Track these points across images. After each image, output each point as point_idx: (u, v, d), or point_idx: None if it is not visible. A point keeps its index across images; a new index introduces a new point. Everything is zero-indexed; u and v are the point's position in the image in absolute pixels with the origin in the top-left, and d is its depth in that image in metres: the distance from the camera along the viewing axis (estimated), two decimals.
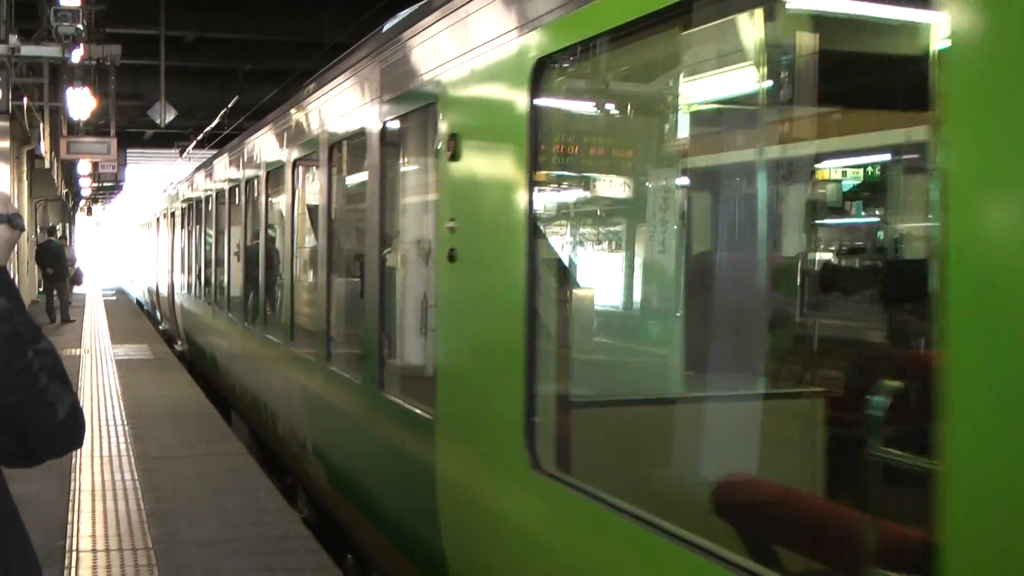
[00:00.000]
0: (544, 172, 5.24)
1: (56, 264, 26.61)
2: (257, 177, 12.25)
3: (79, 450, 9.26)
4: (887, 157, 7.05)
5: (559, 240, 6.13)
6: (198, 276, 18.60)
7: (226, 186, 14.81)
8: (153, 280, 29.70)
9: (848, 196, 8.40)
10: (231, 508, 8.36)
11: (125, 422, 12.11)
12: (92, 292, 40.38)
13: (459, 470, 5.49)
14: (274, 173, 11.38)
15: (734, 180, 5.90)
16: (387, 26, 7.44)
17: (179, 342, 22.26)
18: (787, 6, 4.97)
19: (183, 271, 21.17)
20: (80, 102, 22.27)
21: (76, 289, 34.77)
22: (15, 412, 2.74)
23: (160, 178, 39.77)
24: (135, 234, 42.58)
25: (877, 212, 8.38)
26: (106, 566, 6.88)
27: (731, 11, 4.66)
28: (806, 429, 5.01)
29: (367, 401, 7.13)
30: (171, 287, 23.28)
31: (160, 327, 26.92)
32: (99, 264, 58.83)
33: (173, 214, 23.32)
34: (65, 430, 2.86)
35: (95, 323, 26.94)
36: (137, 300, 39.51)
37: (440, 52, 5.77)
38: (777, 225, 5.76)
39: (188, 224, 20.38)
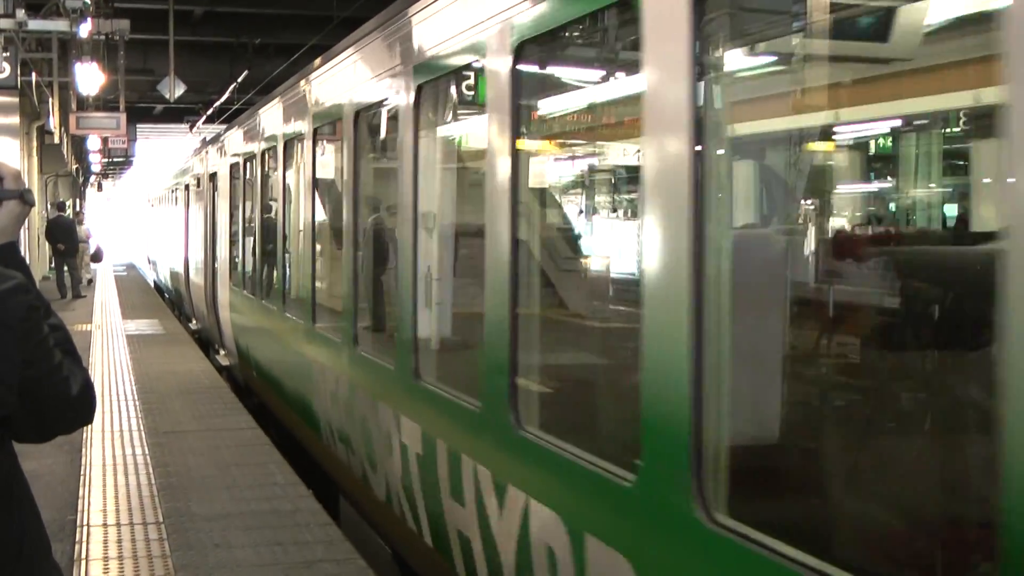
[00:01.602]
0: None
1: (67, 240, 26.63)
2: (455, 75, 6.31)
3: (90, 425, 9.29)
4: None
5: None
6: (265, 268, 12.68)
7: (357, 101, 7.92)
8: (179, 262, 23.49)
9: None
10: (242, 482, 8.37)
11: (136, 397, 12.13)
12: (103, 268, 40.39)
13: None
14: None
15: None
16: None
17: (220, 350, 16.61)
18: None
19: (233, 257, 15.07)
20: (89, 77, 22.28)
21: (92, 266, 34.79)
22: (32, 386, 2.75)
23: (175, 150, 39.54)
24: (154, 206, 35.47)
25: None
26: (117, 540, 6.89)
27: None
28: None
29: None
30: (210, 276, 17.34)
31: (191, 326, 21.38)
32: (110, 240, 58.97)
33: (214, 176, 17.01)
34: (79, 405, 2.87)
35: (106, 298, 26.98)
36: (155, 284, 34.67)
37: None
38: None
39: (244, 189, 14.10)
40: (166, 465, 8.91)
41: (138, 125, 40.23)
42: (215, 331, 17.05)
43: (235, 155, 14.78)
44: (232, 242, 15.23)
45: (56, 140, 29.55)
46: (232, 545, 6.81)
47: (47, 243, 27.64)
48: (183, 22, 26.38)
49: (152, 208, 36.85)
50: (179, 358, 15.63)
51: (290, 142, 10.73)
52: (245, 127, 14.02)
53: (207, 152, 18.44)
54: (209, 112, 34.74)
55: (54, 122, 27.42)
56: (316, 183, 9.64)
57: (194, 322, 21.47)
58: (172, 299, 27.80)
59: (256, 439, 10.09)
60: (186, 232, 22.14)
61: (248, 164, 13.74)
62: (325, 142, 9.61)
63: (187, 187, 22.16)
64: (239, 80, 28.99)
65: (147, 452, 9.38)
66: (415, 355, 6.43)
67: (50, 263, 28.90)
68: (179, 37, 26.17)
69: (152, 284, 35.33)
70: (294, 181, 10.80)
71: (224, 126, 22.07)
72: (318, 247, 9.74)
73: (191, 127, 38.36)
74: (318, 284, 9.50)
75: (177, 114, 38.32)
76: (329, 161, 9.67)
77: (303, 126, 9.86)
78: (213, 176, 17.23)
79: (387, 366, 6.96)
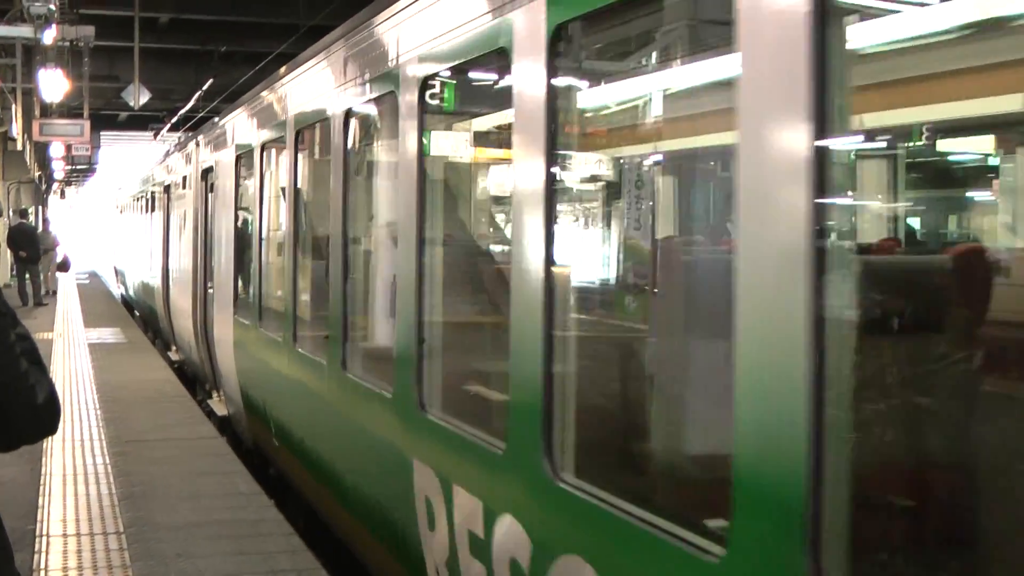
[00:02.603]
0: None
1: (29, 247, 26.43)
2: None
3: None
4: None
5: None
6: (303, 302, 8.75)
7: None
8: (155, 276, 20.10)
9: None
10: (205, 492, 8.31)
11: (98, 406, 12.03)
12: (65, 276, 40.07)
13: None
14: None
15: None
16: None
17: (214, 393, 13.35)
18: None
19: (240, 279, 11.48)
20: (53, 84, 22.08)
21: (60, 275, 34.38)
22: None
23: (147, 151, 39.04)
24: (123, 211, 32.15)
25: None
26: (77, 550, 6.81)
27: None
28: None
29: None
30: (200, 299, 13.93)
31: (171, 355, 17.96)
32: (73, 247, 58.54)
33: (208, 173, 13.49)
34: (45, 414, 2.85)
35: (68, 307, 26.76)
36: (123, 298, 31.96)
37: None
38: None
39: (260, 187, 10.36)
40: (128, 474, 8.83)
41: (102, 132, 39.98)
42: (206, 367, 13.51)
43: (245, 142, 10.89)
44: (239, 259, 11.36)
45: (19, 147, 29.32)
46: (194, 555, 6.76)
47: (8, 250, 27.42)
48: (149, 29, 26.24)
49: (121, 214, 33.45)
50: (142, 367, 15.51)
51: (352, 113, 7.20)
52: (261, 102, 10.21)
53: (198, 144, 14.66)
54: (174, 120, 34.56)
55: (17, 128, 27.17)
56: (423, 170, 5.80)
57: (174, 350, 17.84)
58: (144, 318, 24.48)
59: (219, 448, 10.03)
60: (165, 242, 18.55)
61: (267, 153, 10.09)
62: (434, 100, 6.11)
63: (167, 188, 18.54)
64: (204, 88, 28.88)
65: (108, 461, 9.30)
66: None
67: (11, 270, 28.67)
68: (144, 44, 26.03)
69: (119, 297, 33.05)
70: (365, 171, 7.76)
71: (189, 131, 21.73)
72: (434, 273, 6.03)
73: (155, 135, 38.19)
74: (438, 340, 5.97)
75: (142, 121, 38.13)
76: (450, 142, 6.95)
77: (388, 82, 6.21)
78: (207, 173, 13.62)
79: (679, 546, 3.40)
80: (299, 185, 8.84)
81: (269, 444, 9.61)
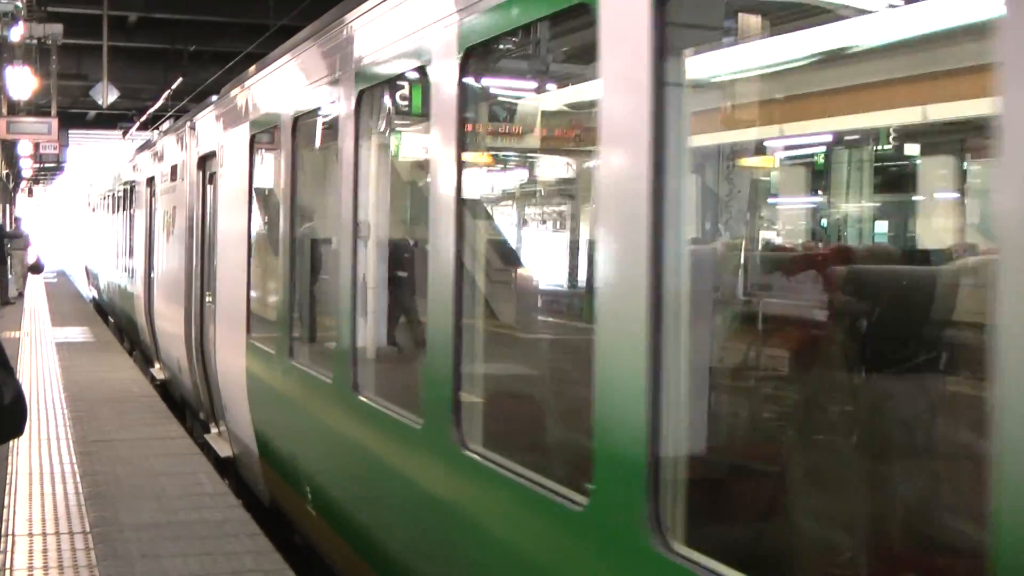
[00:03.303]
0: None
1: None
2: None
3: None
4: None
5: None
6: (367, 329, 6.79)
7: None
8: (135, 282, 17.94)
9: None
10: (171, 492, 8.33)
11: (64, 406, 12.01)
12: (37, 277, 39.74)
13: None
14: None
15: None
16: None
17: (212, 426, 11.34)
18: None
19: (256, 294, 9.32)
20: (20, 81, 22.00)
21: (33, 277, 34.02)
22: None
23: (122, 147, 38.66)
24: (96, 209, 29.86)
25: None
26: (42, 550, 6.83)
27: None
28: None
29: None
30: (196, 313, 11.82)
31: (154, 372, 15.77)
32: (43, 245, 58.03)
33: (206, 161, 11.74)
34: (11, 415, 2.86)
35: (35, 305, 26.60)
36: (95, 302, 29.66)
37: None
38: None
39: (287, 175, 8.02)
40: (94, 474, 8.83)
41: (70, 131, 39.74)
42: (202, 393, 11.63)
43: (266, 116, 8.85)
44: (256, 269, 9.40)
45: None
46: (160, 555, 6.79)
47: None
48: (118, 28, 26.11)
49: (94, 212, 30.83)
50: (109, 366, 15.47)
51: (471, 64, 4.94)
52: (298, 58, 7.91)
53: (192, 127, 12.55)
54: (143, 119, 34.42)
55: None
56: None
57: (158, 367, 15.59)
58: (121, 326, 22.12)
59: (186, 449, 10.04)
60: (148, 243, 16.23)
61: (301, 128, 7.92)
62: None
63: (150, 182, 16.33)
64: (174, 87, 28.78)
65: (75, 461, 9.30)
66: None
67: None
68: (113, 43, 25.90)
69: (90, 300, 30.89)
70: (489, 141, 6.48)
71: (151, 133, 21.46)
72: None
73: (124, 133, 38.02)
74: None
75: (110, 120, 37.94)
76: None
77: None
78: (205, 160, 11.73)
79: None
80: (360, 171, 6.42)
81: (299, 508, 7.60)
